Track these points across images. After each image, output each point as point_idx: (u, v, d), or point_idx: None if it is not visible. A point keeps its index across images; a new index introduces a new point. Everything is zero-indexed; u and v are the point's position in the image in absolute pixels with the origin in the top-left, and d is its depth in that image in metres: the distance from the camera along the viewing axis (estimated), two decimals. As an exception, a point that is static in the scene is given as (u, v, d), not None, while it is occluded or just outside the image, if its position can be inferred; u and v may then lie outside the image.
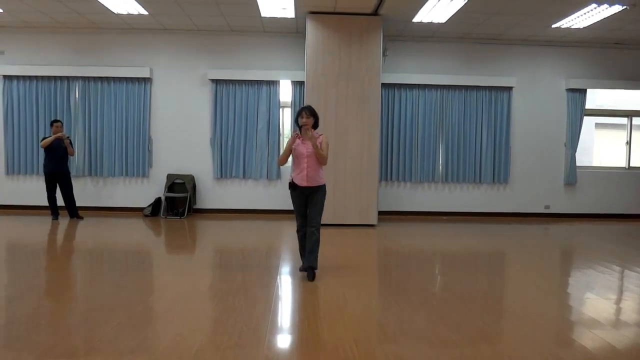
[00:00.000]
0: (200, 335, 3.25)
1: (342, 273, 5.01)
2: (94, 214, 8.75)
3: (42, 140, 8.04)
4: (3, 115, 8.91)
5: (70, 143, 8.21)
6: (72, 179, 8.35)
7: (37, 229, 7.52)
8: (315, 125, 4.73)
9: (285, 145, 4.81)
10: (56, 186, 8.16)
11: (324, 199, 4.81)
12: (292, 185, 4.75)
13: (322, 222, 4.89)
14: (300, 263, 4.99)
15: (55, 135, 7.93)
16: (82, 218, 8.21)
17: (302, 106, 4.93)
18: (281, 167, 9.00)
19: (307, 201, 4.76)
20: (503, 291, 4.86)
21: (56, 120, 8.19)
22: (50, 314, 3.68)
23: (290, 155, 4.80)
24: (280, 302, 4.08)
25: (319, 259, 4.79)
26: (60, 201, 8.21)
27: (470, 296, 4.39)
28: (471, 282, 4.93)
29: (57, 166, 8.07)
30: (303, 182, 4.68)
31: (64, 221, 8.04)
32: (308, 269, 4.77)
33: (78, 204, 8.35)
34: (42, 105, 8.89)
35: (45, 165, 8.09)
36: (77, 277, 4.99)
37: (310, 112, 4.66)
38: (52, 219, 8.07)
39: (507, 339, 3.40)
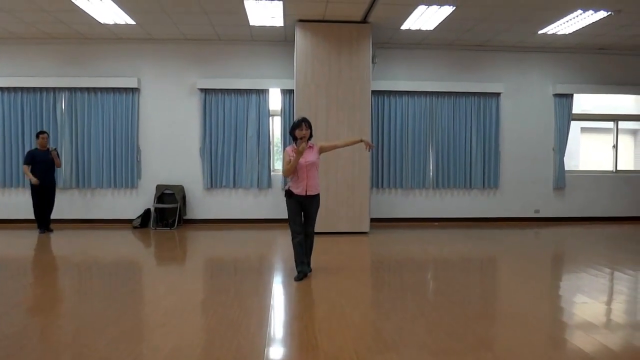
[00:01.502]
0: (197, 349, 3.19)
1: (337, 282, 4.97)
2: (82, 226, 8.61)
3: (25, 163, 7.87)
4: (-13, 127, 8.76)
5: (57, 155, 8.09)
6: (59, 190, 8.22)
7: (24, 242, 7.38)
8: (309, 137, 4.94)
9: (283, 157, 5.00)
10: (43, 199, 8.01)
11: (318, 208, 5.03)
12: (289, 193, 4.91)
13: (315, 230, 5.16)
14: (294, 272, 5.01)
15: (33, 182, 7.79)
16: (52, 231, 8.06)
17: (298, 118, 5.01)
18: (272, 174, 8.98)
19: (302, 208, 4.96)
20: (498, 296, 4.85)
21: (42, 132, 8.05)
22: (41, 330, 3.58)
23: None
24: (276, 313, 4.03)
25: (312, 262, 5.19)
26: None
27: (466, 302, 4.38)
28: (466, 288, 4.92)
29: (43, 179, 7.93)
30: (303, 192, 4.88)
31: (44, 234, 7.89)
32: (302, 277, 4.95)
33: (65, 216, 8.21)
34: (27, 117, 8.75)
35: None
36: (66, 292, 4.89)
37: (308, 124, 4.88)
38: (39, 232, 7.92)
39: (506, 344, 3.39)
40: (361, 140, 5.16)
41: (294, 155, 4.81)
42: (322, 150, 5.05)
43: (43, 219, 8.02)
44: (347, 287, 4.81)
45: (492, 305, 4.49)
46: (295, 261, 5.02)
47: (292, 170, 4.83)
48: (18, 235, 7.87)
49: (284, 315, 4.09)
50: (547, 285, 5.18)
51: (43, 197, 7.99)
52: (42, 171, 7.90)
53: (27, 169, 7.86)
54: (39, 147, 7.97)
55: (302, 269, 4.98)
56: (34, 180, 7.80)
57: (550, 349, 3.30)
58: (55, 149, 8.11)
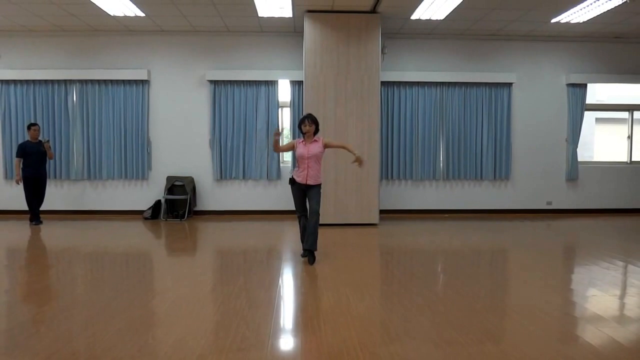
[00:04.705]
0: (202, 340, 3.21)
1: (344, 273, 4.98)
2: (93, 217, 8.70)
3: (17, 156, 7.89)
4: (0, 119, 8.87)
5: (50, 147, 8.13)
6: (70, 182, 8.29)
7: (35, 233, 7.47)
8: (315, 131, 5.29)
9: (289, 142, 5.64)
10: (34, 191, 8.04)
11: (320, 192, 5.34)
12: (292, 181, 5.31)
13: (324, 222, 5.61)
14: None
15: (16, 179, 7.89)
16: (41, 222, 8.08)
17: (304, 115, 5.44)
18: (281, 166, 9.03)
19: (305, 194, 5.32)
20: (507, 289, 4.81)
21: (33, 124, 8.07)
22: (51, 319, 3.62)
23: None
24: (282, 304, 4.04)
25: (318, 242, 5.41)
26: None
27: (474, 295, 4.34)
28: (474, 281, 4.88)
29: (35, 171, 7.96)
30: (303, 181, 5.22)
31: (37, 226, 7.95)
32: (308, 254, 5.31)
33: (77, 208, 8.32)
34: (39, 109, 8.86)
35: (23, 170, 7.94)
36: (77, 282, 4.94)
37: (312, 120, 5.23)
38: (34, 224, 7.97)
39: (513, 338, 3.36)
40: (356, 157, 5.21)
41: (299, 145, 5.25)
42: (327, 146, 5.34)
43: (37, 211, 8.05)
44: (354, 278, 4.81)
45: (500, 297, 4.46)
46: (301, 238, 5.51)
47: (275, 149, 5.41)
48: (28, 226, 7.94)
49: (290, 306, 4.09)
50: (557, 278, 5.12)
51: (35, 189, 8.03)
52: (34, 163, 7.94)
53: (18, 162, 7.90)
54: (30, 139, 8.01)
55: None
56: (18, 177, 7.87)
57: (557, 343, 3.26)
58: (48, 140, 8.16)
